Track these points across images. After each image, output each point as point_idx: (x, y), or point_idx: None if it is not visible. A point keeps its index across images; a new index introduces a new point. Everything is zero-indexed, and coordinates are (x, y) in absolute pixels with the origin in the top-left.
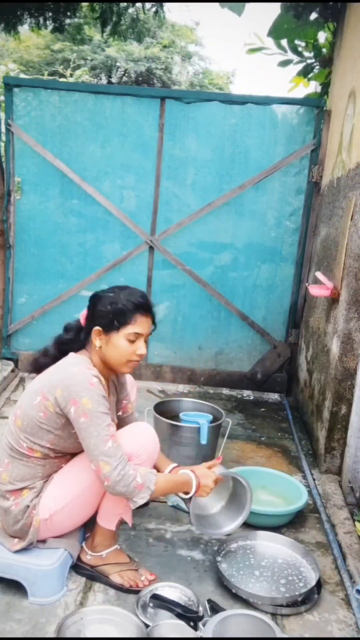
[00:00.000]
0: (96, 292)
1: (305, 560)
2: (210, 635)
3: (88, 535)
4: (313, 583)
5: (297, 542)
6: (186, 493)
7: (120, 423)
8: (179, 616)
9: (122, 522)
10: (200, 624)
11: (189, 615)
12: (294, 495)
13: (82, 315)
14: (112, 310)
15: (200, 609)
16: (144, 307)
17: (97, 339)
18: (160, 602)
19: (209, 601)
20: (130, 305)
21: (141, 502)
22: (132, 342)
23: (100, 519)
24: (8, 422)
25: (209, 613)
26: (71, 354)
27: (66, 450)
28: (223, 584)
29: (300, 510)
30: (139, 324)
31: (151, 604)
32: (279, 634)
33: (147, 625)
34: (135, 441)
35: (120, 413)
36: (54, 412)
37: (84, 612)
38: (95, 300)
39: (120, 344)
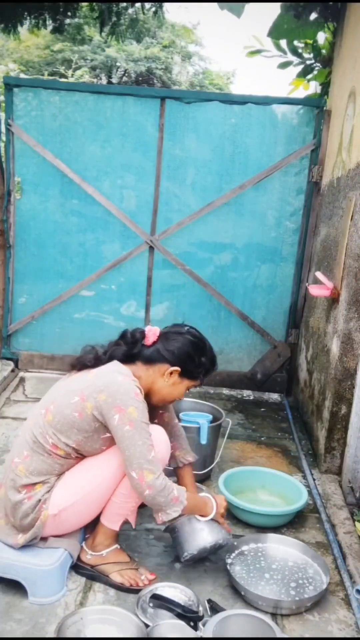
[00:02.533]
0: (198, 335)
1: (316, 564)
2: (210, 635)
3: (88, 536)
4: (324, 587)
5: (307, 545)
6: (202, 516)
7: None
8: (179, 616)
9: (124, 523)
10: (200, 624)
11: (189, 615)
12: (294, 495)
13: (152, 332)
14: (208, 365)
15: (200, 609)
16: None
17: (170, 375)
18: (160, 602)
19: (209, 601)
20: (213, 367)
21: (174, 515)
22: (187, 390)
23: (104, 519)
24: (35, 415)
25: (209, 613)
26: (116, 362)
27: (88, 453)
28: (225, 584)
29: (300, 510)
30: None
31: (151, 604)
32: (279, 634)
33: (147, 625)
34: None
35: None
36: (91, 415)
37: (84, 612)
38: (198, 343)
39: (181, 390)
